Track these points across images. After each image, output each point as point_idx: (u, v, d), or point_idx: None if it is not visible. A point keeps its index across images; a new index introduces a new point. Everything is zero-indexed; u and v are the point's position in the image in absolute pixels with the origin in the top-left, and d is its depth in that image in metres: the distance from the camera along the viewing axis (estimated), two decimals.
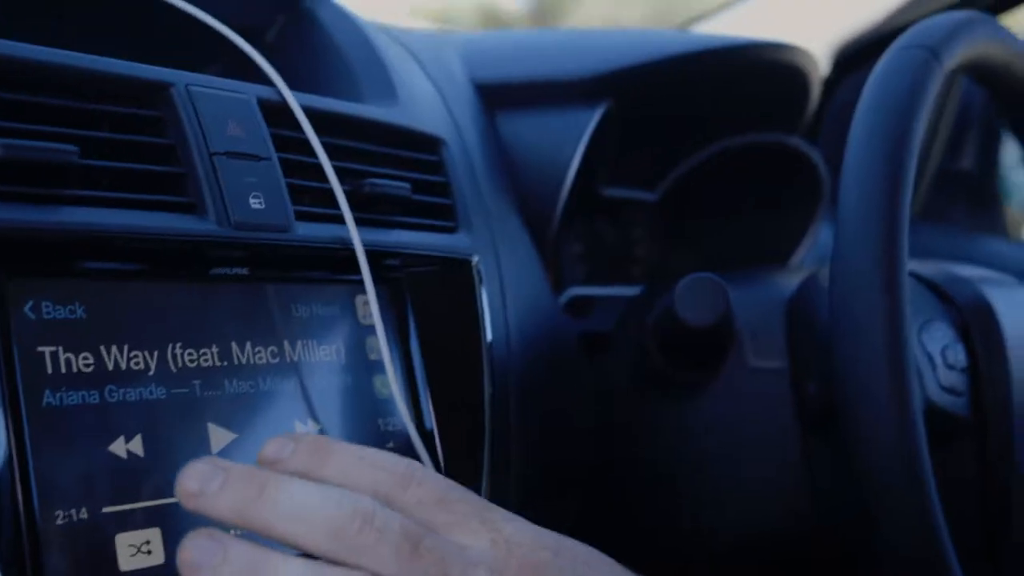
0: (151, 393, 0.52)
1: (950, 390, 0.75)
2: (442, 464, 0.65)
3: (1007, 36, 0.77)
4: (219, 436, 0.54)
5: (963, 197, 1.27)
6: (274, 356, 0.59)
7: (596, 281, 1.06)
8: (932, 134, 1.26)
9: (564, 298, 0.96)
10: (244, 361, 0.57)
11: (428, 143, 0.73)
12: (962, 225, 1.27)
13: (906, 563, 0.63)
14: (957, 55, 0.71)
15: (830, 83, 1.19)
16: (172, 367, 0.53)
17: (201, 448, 0.53)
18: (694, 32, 1.20)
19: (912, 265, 0.83)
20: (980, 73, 0.80)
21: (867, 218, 0.63)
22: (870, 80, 0.69)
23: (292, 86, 0.63)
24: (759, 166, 1.07)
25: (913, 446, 0.61)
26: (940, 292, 0.79)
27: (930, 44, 0.69)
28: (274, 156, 0.59)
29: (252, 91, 0.60)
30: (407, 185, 0.67)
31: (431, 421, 0.67)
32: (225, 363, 0.56)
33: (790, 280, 0.86)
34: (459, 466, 0.66)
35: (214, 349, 0.56)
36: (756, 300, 0.84)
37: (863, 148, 0.65)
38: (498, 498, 0.66)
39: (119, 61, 0.55)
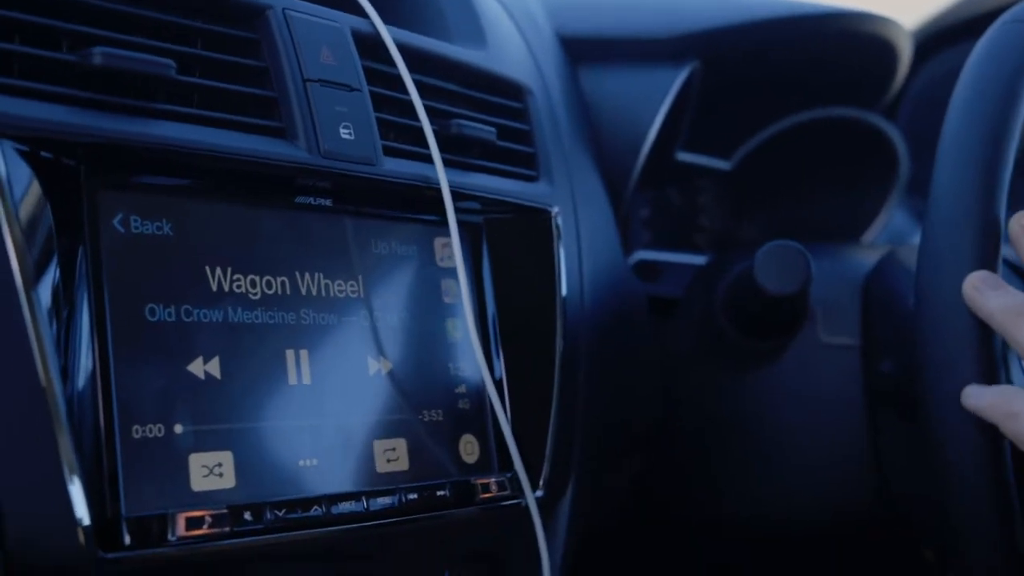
0: (231, 316, 0.51)
1: None
2: (508, 414, 0.64)
3: None
4: (295, 364, 0.54)
5: None
6: (352, 290, 0.58)
7: (661, 246, 1.04)
8: None
9: (632, 260, 0.95)
10: (323, 293, 0.56)
11: (514, 90, 0.71)
12: None
13: (977, 562, 0.62)
14: None
15: (924, 58, 1.16)
16: (253, 292, 0.53)
17: (277, 375, 0.53)
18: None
19: (1004, 251, 0.80)
20: None
21: (961, 202, 0.61)
22: (974, 52, 0.66)
23: (384, 20, 0.62)
24: (837, 142, 1.04)
25: (994, 443, 0.59)
26: None
27: None
28: (365, 88, 0.58)
29: (346, 21, 0.59)
30: (493, 130, 0.66)
31: (501, 370, 0.66)
32: (304, 293, 0.55)
33: (867, 257, 0.84)
34: (526, 417, 0.65)
35: (294, 277, 0.55)
36: (831, 275, 0.82)
37: (962, 127, 0.63)
38: (562, 453, 0.66)
39: None
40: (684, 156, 0.98)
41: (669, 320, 0.86)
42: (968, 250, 0.60)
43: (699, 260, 0.98)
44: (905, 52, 0.97)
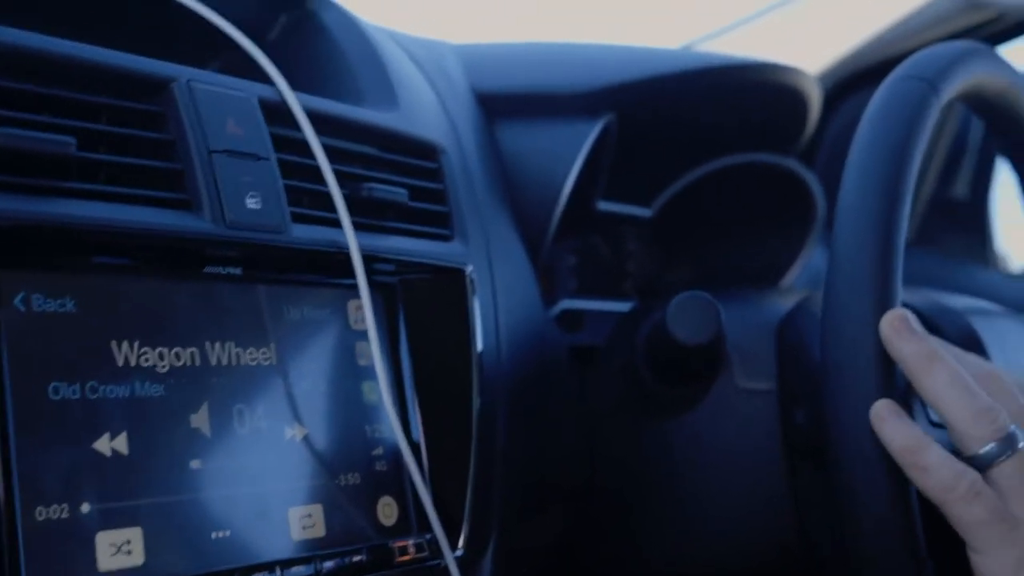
0: (139, 391, 0.51)
1: (939, 424, 0.74)
2: (426, 474, 0.65)
3: (1005, 67, 0.77)
4: (205, 436, 0.54)
5: (956, 225, 1.27)
6: (264, 357, 0.58)
7: (588, 294, 1.05)
8: (927, 161, 1.26)
9: (555, 311, 0.96)
10: (234, 362, 0.56)
11: (427, 150, 0.72)
12: (954, 252, 1.27)
13: None
14: (955, 86, 0.71)
15: (827, 106, 1.19)
16: (161, 365, 0.53)
17: (186, 448, 0.53)
18: (696, 50, 1.20)
19: (904, 295, 0.83)
20: (977, 104, 0.80)
21: (861, 254, 0.62)
22: (868, 110, 0.69)
23: (293, 86, 0.62)
24: (755, 186, 1.07)
25: (902, 487, 0.60)
26: (930, 324, 0.78)
27: (928, 75, 0.69)
28: (273, 156, 0.58)
29: (253, 90, 0.60)
30: (404, 191, 0.66)
31: (418, 430, 0.66)
32: (215, 363, 0.55)
33: (782, 303, 0.86)
34: (445, 476, 0.65)
35: (204, 348, 0.55)
36: (747, 321, 0.84)
37: (860, 182, 0.65)
38: (481, 511, 0.66)
39: (121, 54, 0.54)
40: (604, 205, 1.00)
41: (591, 369, 0.87)
42: (866, 303, 0.62)
43: (625, 307, 0.99)
44: (814, 99, 0.99)
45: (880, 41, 1.14)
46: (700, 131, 0.99)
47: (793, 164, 1.04)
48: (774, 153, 1.04)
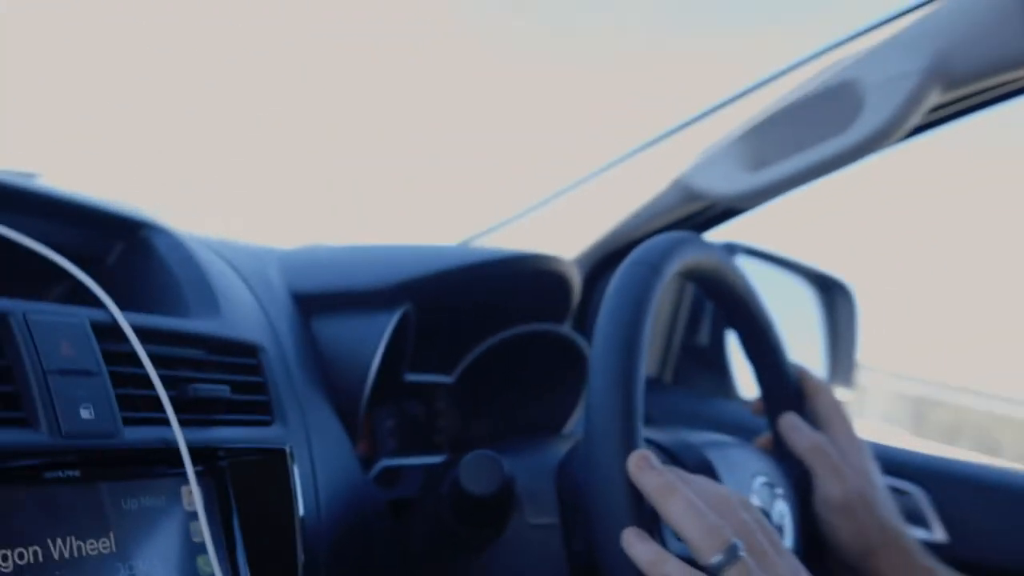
0: None
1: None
2: None
3: (712, 249, 0.85)
4: None
5: (702, 367, 1.34)
6: (104, 547, 0.57)
7: (405, 452, 1.06)
8: (674, 316, 1.33)
9: (376, 470, 0.96)
10: (75, 554, 0.55)
11: (247, 349, 0.73)
12: (703, 390, 1.33)
13: None
14: (673, 268, 0.78)
15: (592, 281, 1.25)
16: (4, 566, 0.51)
17: None
18: (475, 246, 1.25)
19: (653, 433, 0.87)
20: (693, 278, 0.87)
21: (607, 408, 0.68)
22: (607, 291, 0.74)
23: (127, 306, 0.63)
24: (537, 350, 1.11)
25: None
26: (673, 457, 0.83)
27: (651, 261, 0.75)
28: (104, 371, 0.58)
29: (85, 314, 0.60)
30: (226, 388, 0.67)
31: None
32: (57, 557, 0.54)
33: (561, 447, 0.89)
34: None
35: (47, 545, 0.54)
36: (533, 466, 0.86)
37: (603, 350, 0.70)
38: None
39: None
40: (411, 376, 1.02)
41: (407, 518, 0.88)
42: (616, 451, 0.67)
43: (438, 459, 1.01)
44: (573, 278, 1.05)
45: (624, 227, 1.22)
46: (485, 310, 1.03)
47: (566, 331, 1.09)
48: (550, 322, 1.09)
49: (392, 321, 0.89)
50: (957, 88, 1.04)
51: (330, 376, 0.86)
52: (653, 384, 1.33)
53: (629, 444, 0.68)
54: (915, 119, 1.04)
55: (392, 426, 1.09)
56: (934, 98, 1.04)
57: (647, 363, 1.33)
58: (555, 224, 1.28)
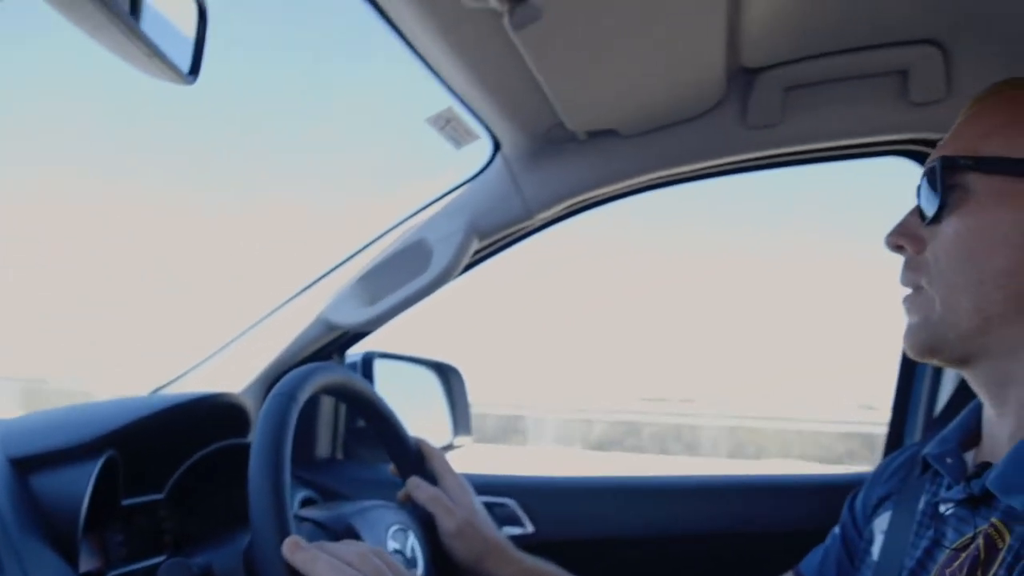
0: None
1: None
2: None
3: (336, 369, 0.90)
4: None
5: (364, 443, 1.38)
6: None
7: (138, 558, 1.01)
8: (336, 408, 1.36)
9: None
10: None
11: None
12: (366, 459, 1.37)
13: None
14: (307, 392, 0.82)
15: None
16: None
17: None
18: (165, 393, 1.22)
19: (313, 512, 0.90)
20: (327, 393, 0.92)
21: (263, 511, 0.71)
22: (258, 417, 0.77)
23: None
24: (228, 458, 1.09)
25: None
26: (325, 528, 0.86)
27: (288, 391, 0.79)
28: None
29: None
30: None
31: None
32: None
33: (247, 536, 0.89)
34: None
35: None
36: (228, 552, 0.86)
37: (255, 469, 0.73)
38: None
39: None
40: (128, 500, 0.98)
41: None
42: (273, 539, 0.70)
43: (163, 559, 0.96)
44: (246, 404, 1.06)
45: (285, 356, 1.25)
46: (182, 438, 1.01)
47: (247, 441, 1.09)
48: (235, 438, 1.08)
49: (96, 467, 0.85)
50: (488, 237, 1.19)
51: (49, 519, 0.81)
52: (329, 462, 1.35)
53: (283, 532, 0.71)
54: (466, 259, 1.18)
55: (121, 540, 1.02)
56: (475, 245, 1.18)
57: (322, 447, 1.36)
58: (236, 360, 1.27)
